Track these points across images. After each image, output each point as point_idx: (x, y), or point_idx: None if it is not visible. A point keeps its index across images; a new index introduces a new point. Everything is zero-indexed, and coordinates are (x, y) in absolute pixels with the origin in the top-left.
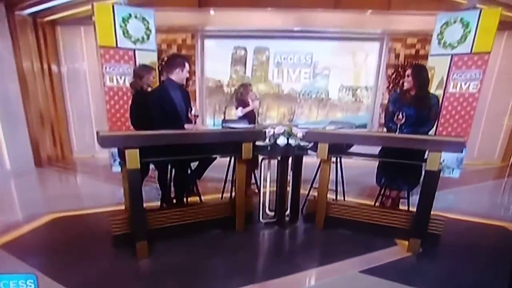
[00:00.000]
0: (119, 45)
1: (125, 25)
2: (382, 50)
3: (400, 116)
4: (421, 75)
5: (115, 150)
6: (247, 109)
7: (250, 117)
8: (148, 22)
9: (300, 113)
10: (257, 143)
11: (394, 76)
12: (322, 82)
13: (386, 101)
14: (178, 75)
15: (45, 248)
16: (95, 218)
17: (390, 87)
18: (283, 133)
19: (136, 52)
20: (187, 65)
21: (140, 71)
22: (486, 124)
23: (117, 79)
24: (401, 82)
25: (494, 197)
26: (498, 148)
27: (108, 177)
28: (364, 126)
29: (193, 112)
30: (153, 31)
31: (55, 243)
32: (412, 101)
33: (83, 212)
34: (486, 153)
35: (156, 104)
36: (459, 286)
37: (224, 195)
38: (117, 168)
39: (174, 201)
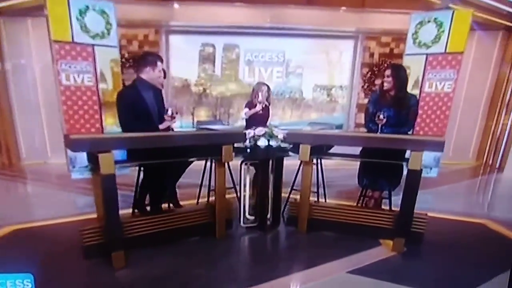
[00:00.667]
0: (75, 40)
1: (83, 18)
2: (357, 48)
3: (381, 116)
4: (401, 75)
5: (74, 155)
6: (251, 111)
7: (257, 120)
8: (108, 16)
9: (273, 114)
10: (236, 145)
11: (369, 75)
12: (295, 81)
13: (361, 101)
14: (149, 75)
15: (10, 263)
16: (59, 229)
17: (365, 87)
18: (264, 135)
19: (96, 48)
20: (159, 64)
21: None
22: (460, 124)
23: (74, 78)
24: (380, 82)
25: (472, 195)
26: (472, 148)
27: (65, 184)
28: (340, 126)
29: (169, 112)
30: (114, 25)
31: (20, 258)
32: (392, 102)
33: (44, 223)
34: (461, 152)
35: (126, 105)
36: (445, 283)
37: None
38: (77, 175)
39: (148, 208)
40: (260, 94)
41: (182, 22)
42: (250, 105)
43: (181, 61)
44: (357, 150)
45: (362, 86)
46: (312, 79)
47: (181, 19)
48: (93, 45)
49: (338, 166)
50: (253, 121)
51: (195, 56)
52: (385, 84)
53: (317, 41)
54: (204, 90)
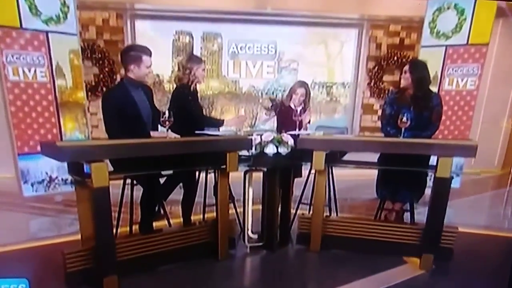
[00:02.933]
0: (24, 25)
1: None
2: (361, 39)
3: (404, 119)
4: (420, 71)
5: (27, 167)
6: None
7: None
8: None
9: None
10: (240, 152)
11: (376, 70)
12: (289, 78)
13: (367, 101)
14: (135, 72)
15: None
16: (25, 255)
17: (371, 84)
18: (272, 141)
19: (50, 36)
20: (145, 58)
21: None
22: (484, 127)
23: (24, 72)
24: (398, 79)
25: (499, 208)
26: (498, 154)
27: (12, 204)
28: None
29: (166, 115)
30: (72, 7)
31: None
32: (412, 102)
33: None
34: (484, 159)
35: (112, 109)
36: None
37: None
38: (30, 192)
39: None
40: (299, 94)
41: (151, 5)
42: (280, 106)
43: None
44: (371, 156)
45: (368, 83)
46: (309, 75)
47: (150, 0)
48: (46, 32)
49: (347, 177)
50: (284, 126)
51: (168, 47)
52: (402, 81)
53: (314, 30)
54: None
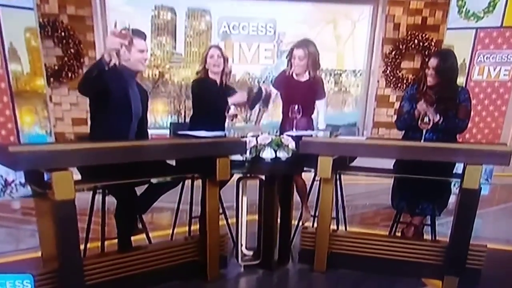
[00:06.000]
0: None
1: None
2: (376, 17)
3: (427, 119)
4: (448, 63)
5: None
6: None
7: (296, 99)
8: None
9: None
10: (232, 157)
11: (393, 55)
12: None
13: (382, 91)
14: (127, 57)
15: None
16: None
17: (387, 71)
18: (269, 144)
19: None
20: (137, 42)
21: None
22: None
23: None
24: (421, 74)
25: None
26: None
27: None
28: (352, 126)
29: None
30: None
31: None
32: (435, 98)
33: None
34: None
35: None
36: None
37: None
38: None
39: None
40: (297, 58)
41: None
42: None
43: None
44: (386, 160)
45: (384, 71)
46: None
47: None
48: None
49: (358, 181)
50: (289, 101)
51: (146, 25)
52: (428, 79)
53: (320, 7)
54: (161, 74)
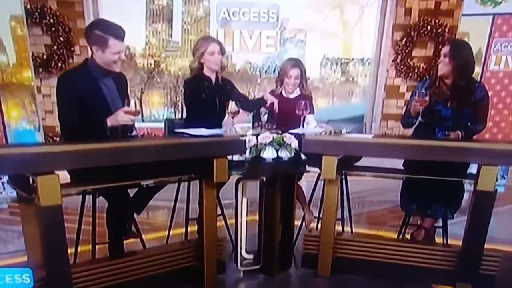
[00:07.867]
0: None
1: None
2: (386, 2)
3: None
4: (464, 55)
5: None
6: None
7: (285, 117)
8: None
9: None
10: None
11: (404, 42)
12: (294, 52)
13: (391, 82)
14: (98, 56)
15: None
16: None
17: (398, 60)
18: (270, 143)
19: None
20: (112, 43)
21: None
22: None
23: None
24: (432, 68)
25: None
26: None
27: None
28: (359, 119)
29: (131, 104)
30: None
31: None
32: (450, 94)
33: None
34: None
35: (67, 96)
36: None
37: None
38: None
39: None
40: (293, 78)
41: None
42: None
43: (118, 18)
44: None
45: (394, 60)
46: (320, 49)
47: None
48: None
49: (365, 177)
50: (280, 118)
51: (140, 11)
52: (440, 66)
53: None
54: (157, 64)
